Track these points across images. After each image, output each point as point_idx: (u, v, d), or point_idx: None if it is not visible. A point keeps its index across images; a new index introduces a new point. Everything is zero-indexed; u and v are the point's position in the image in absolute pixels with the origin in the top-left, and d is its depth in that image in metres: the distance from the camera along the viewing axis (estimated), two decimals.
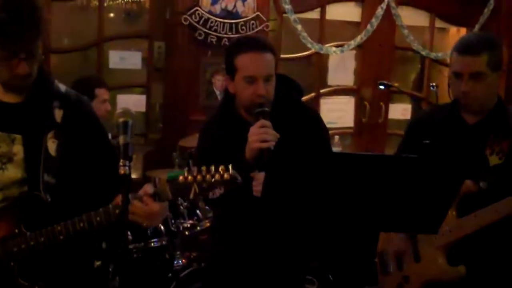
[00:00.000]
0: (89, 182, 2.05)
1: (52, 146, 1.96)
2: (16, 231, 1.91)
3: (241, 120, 2.41)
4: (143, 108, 4.82)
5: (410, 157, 1.87)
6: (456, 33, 5.96)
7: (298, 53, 5.30)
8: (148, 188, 1.86)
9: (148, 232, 3.28)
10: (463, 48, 2.35)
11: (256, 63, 2.31)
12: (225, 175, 1.79)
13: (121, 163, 1.70)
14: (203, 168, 1.80)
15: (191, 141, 3.98)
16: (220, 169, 1.80)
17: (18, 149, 1.94)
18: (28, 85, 1.95)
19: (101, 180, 2.06)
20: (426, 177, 1.82)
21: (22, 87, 1.94)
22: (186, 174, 1.79)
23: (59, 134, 1.98)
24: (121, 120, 1.78)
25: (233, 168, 1.80)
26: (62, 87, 2.06)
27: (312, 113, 2.58)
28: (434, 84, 2.41)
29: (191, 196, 1.81)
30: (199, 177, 1.79)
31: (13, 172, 1.94)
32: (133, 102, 4.73)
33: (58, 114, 1.99)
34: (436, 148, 2.37)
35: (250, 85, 2.29)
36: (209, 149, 2.41)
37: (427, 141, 2.38)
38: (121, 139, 1.75)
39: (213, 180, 1.79)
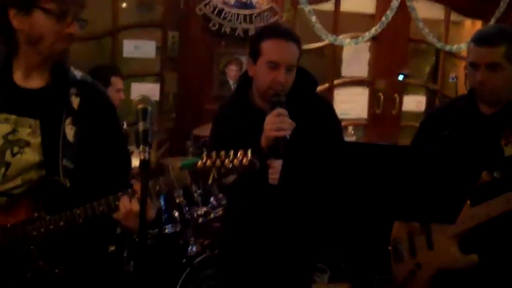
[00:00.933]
0: (105, 167, 2.06)
1: (70, 132, 1.97)
2: (36, 215, 1.93)
3: (255, 108, 2.41)
4: (156, 97, 4.84)
5: (428, 147, 1.87)
6: (471, 26, 5.92)
7: (312, 44, 5.30)
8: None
9: (163, 218, 3.30)
10: (480, 39, 2.36)
11: (281, 50, 2.32)
12: (244, 160, 1.78)
13: (141, 149, 1.70)
14: (222, 153, 1.80)
15: (205, 130, 3.99)
16: (238, 154, 1.79)
17: (36, 134, 1.96)
18: (49, 63, 1.96)
19: (113, 166, 2.08)
20: (445, 167, 1.82)
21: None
22: (204, 159, 1.79)
23: (77, 121, 1.99)
24: (140, 106, 1.78)
25: (252, 152, 1.80)
26: (78, 74, 2.08)
27: (326, 104, 2.59)
28: (454, 75, 2.39)
29: (210, 181, 1.81)
30: (217, 162, 1.79)
31: (31, 155, 1.95)
32: (146, 91, 4.74)
33: (75, 101, 2.01)
34: (454, 139, 2.38)
35: (272, 71, 2.31)
36: (223, 136, 2.42)
37: (446, 132, 2.39)
38: (140, 126, 1.75)
39: (231, 165, 1.79)
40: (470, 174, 1.86)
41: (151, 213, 1.87)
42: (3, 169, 1.94)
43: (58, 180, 1.94)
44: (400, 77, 4.26)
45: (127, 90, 4.73)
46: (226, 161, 1.79)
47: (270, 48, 2.32)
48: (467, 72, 2.43)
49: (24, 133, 1.95)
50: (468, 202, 2.33)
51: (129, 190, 1.88)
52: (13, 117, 1.95)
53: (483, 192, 2.29)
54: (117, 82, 3.85)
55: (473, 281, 2.42)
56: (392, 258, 2.67)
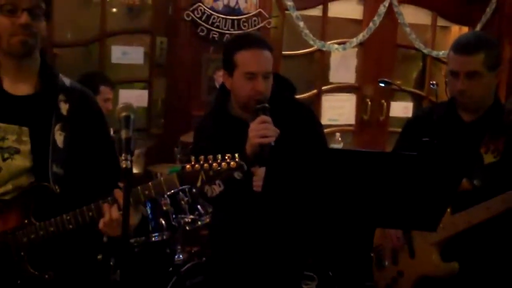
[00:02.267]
0: (94, 173, 2.07)
1: (59, 138, 1.98)
2: (26, 221, 1.94)
3: (235, 118, 2.42)
4: (145, 103, 4.84)
5: (409, 154, 1.87)
6: (458, 32, 5.97)
7: (300, 50, 5.31)
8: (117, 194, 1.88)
9: (150, 226, 3.29)
10: (459, 47, 2.36)
11: (256, 60, 2.32)
12: (232, 163, 1.80)
13: (122, 157, 1.71)
14: (210, 156, 1.81)
15: (193, 136, 3.99)
16: (226, 157, 1.81)
17: (25, 141, 1.96)
18: (28, 43, 1.93)
19: (104, 171, 2.09)
20: (426, 174, 1.83)
21: (24, 46, 1.92)
22: (193, 163, 1.80)
23: (66, 127, 2.00)
24: (123, 114, 1.78)
25: (239, 156, 1.81)
26: (67, 81, 2.09)
27: (305, 108, 2.58)
28: (434, 82, 2.43)
29: (198, 183, 1.81)
30: (206, 165, 1.80)
31: (21, 161, 1.95)
32: (135, 97, 4.75)
33: (64, 107, 2.01)
34: (435, 146, 2.39)
35: (250, 82, 2.30)
36: (204, 148, 2.40)
37: (427, 139, 2.40)
38: (123, 134, 1.74)
39: (219, 168, 1.80)
40: (451, 182, 1.87)
41: (133, 220, 1.86)
42: None
43: (48, 186, 1.94)
44: (381, 84, 4.30)
45: (115, 96, 4.72)
46: (214, 164, 1.80)
47: (245, 59, 2.31)
48: (447, 80, 2.44)
49: (12, 140, 1.95)
50: (449, 210, 2.35)
51: (109, 199, 1.89)
52: (3, 125, 1.95)
53: (463, 200, 2.30)
54: (106, 91, 3.83)
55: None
56: (374, 265, 2.70)
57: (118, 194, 1.87)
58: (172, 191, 3.23)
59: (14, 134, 1.95)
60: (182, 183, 1.83)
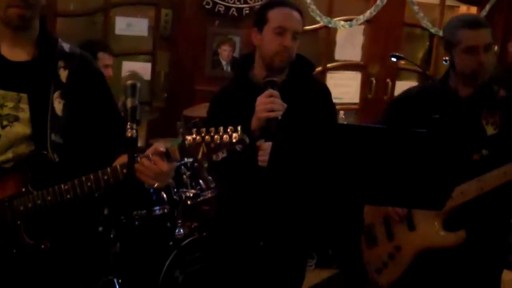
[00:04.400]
0: (96, 141, 2.04)
1: (58, 106, 1.95)
2: (23, 190, 1.92)
3: (257, 86, 2.40)
4: (148, 76, 4.79)
5: (422, 131, 1.85)
6: (466, 11, 5.90)
7: (306, 26, 5.24)
8: (159, 146, 1.83)
9: (153, 198, 3.28)
10: (473, 23, 2.43)
11: (288, 17, 2.38)
12: (234, 136, 1.77)
13: (128, 126, 1.69)
14: (211, 129, 1.79)
15: (196, 110, 3.96)
16: (228, 130, 1.78)
17: (24, 108, 1.93)
18: (26, 16, 1.90)
19: (107, 139, 2.06)
20: (437, 152, 1.81)
21: (20, 18, 1.89)
22: (194, 135, 1.78)
23: (65, 94, 1.97)
24: (129, 82, 1.76)
25: (241, 129, 1.78)
26: (66, 46, 2.04)
27: (323, 87, 2.60)
28: (447, 58, 2.46)
29: (199, 156, 1.78)
30: (207, 137, 1.77)
31: (21, 128, 1.93)
32: (138, 69, 4.70)
33: (63, 74, 1.98)
34: (445, 123, 2.38)
35: (278, 37, 2.35)
36: (219, 112, 2.42)
37: (437, 116, 2.39)
38: (128, 102, 1.73)
39: (221, 140, 1.77)
40: (461, 158, 1.85)
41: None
42: None
43: (46, 155, 1.92)
44: (393, 59, 4.26)
45: (118, 68, 4.68)
46: (216, 136, 1.77)
47: (277, 15, 2.38)
48: (460, 59, 2.44)
49: (10, 107, 1.92)
50: None
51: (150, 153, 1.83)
52: (1, 91, 1.92)
53: (472, 170, 2.30)
54: (104, 58, 3.77)
55: (457, 257, 2.44)
56: (364, 244, 2.68)
57: (159, 145, 1.81)
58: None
59: (12, 101, 1.93)
60: (183, 155, 1.80)
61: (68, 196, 1.88)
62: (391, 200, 2.08)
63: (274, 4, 2.43)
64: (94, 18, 4.75)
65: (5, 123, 1.92)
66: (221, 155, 2.28)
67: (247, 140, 1.81)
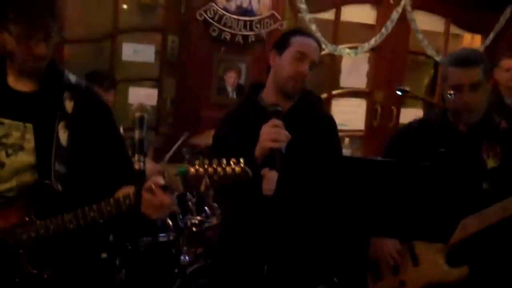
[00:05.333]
0: (100, 172, 2.06)
1: (63, 136, 1.98)
2: (27, 219, 1.93)
3: (265, 111, 2.42)
4: (154, 102, 4.82)
5: (426, 164, 1.86)
6: (470, 40, 5.94)
7: None
8: (159, 179, 1.85)
9: (158, 225, 3.28)
10: (461, 61, 2.42)
11: (310, 45, 2.45)
12: (237, 168, 1.79)
13: (136, 158, 1.70)
14: (214, 160, 1.80)
15: (202, 138, 3.97)
16: (231, 162, 1.80)
17: (29, 138, 1.96)
18: (41, 69, 1.97)
19: (111, 170, 2.08)
20: (442, 185, 1.81)
21: (35, 71, 1.96)
22: (197, 167, 1.79)
23: (70, 125, 1.99)
24: (137, 115, 1.77)
25: (244, 162, 1.80)
26: (73, 78, 2.07)
27: (329, 120, 2.62)
28: (451, 92, 2.45)
29: (202, 188, 1.80)
30: (210, 169, 1.79)
31: (25, 157, 1.95)
32: (144, 95, 4.74)
33: (69, 105, 2.01)
34: (450, 156, 2.39)
35: (297, 62, 2.39)
36: (226, 135, 2.44)
37: (443, 150, 2.40)
38: (136, 134, 1.74)
39: (224, 172, 1.78)
40: (465, 192, 1.86)
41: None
42: None
43: (49, 184, 1.93)
44: (399, 92, 4.28)
45: (125, 94, 4.72)
46: (219, 169, 1.79)
47: (299, 41, 2.44)
48: (446, 97, 2.47)
49: (16, 137, 1.95)
50: None
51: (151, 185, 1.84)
52: (7, 121, 1.95)
53: (470, 205, 2.29)
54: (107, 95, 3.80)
55: None
56: (369, 278, 2.65)
57: (158, 178, 1.84)
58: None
59: (18, 131, 1.95)
60: (186, 188, 1.82)
61: (71, 225, 1.90)
62: (397, 232, 2.08)
63: (298, 32, 2.51)
64: (101, 45, 4.79)
65: (10, 151, 1.94)
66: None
67: (250, 173, 1.82)
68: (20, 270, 1.92)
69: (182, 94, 4.85)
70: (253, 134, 2.28)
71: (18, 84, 1.98)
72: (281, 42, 2.48)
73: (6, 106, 1.96)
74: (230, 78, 4.82)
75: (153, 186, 1.83)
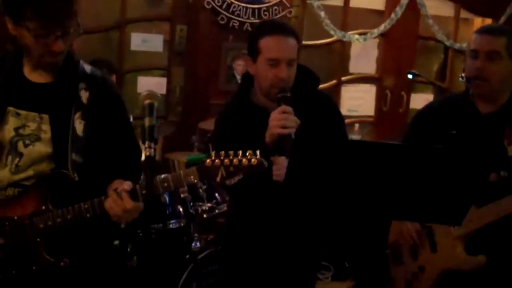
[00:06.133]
0: (115, 160, 2.07)
1: (79, 126, 1.99)
2: (43, 207, 1.94)
3: (258, 108, 2.39)
4: (163, 91, 4.83)
5: (439, 147, 1.84)
6: (480, 24, 5.88)
7: (320, 40, 5.27)
8: (126, 185, 1.88)
9: (169, 211, 3.29)
10: (483, 29, 2.41)
11: (280, 46, 2.29)
12: (253, 160, 1.80)
13: (146, 145, 1.70)
14: (230, 152, 1.81)
15: (211, 124, 3.96)
16: (247, 154, 1.81)
17: (46, 129, 1.97)
18: (59, 63, 1.98)
19: (124, 157, 2.10)
20: (454, 168, 1.80)
21: (52, 65, 1.97)
22: (213, 158, 1.80)
23: (86, 115, 2.00)
24: (147, 102, 1.78)
25: (260, 153, 1.81)
26: (88, 68, 2.08)
27: (328, 100, 2.56)
28: (463, 75, 2.39)
29: (218, 179, 1.82)
30: (226, 161, 1.80)
31: (43, 147, 1.97)
32: (153, 84, 4.75)
33: (84, 95, 2.02)
34: (463, 138, 2.36)
35: (272, 68, 2.27)
36: (226, 136, 2.40)
37: (454, 132, 2.37)
38: (146, 121, 1.74)
39: (239, 164, 1.79)
40: (479, 175, 1.84)
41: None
42: (16, 159, 1.96)
43: (66, 174, 1.95)
44: (410, 76, 4.24)
45: (134, 83, 4.73)
46: (235, 160, 1.80)
47: (268, 45, 2.28)
48: (465, 64, 2.42)
49: (33, 127, 1.97)
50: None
51: (115, 190, 1.89)
52: (23, 112, 1.97)
53: (489, 192, 2.26)
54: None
55: (479, 281, 2.41)
56: (390, 261, 2.65)
57: (126, 185, 1.88)
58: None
59: (34, 122, 1.97)
60: (202, 178, 1.84)
61: (88, 215, 1.92)
62: (410, 215, 2.07)
63: (264, 31, 2.32)
64: (110, 35, 4.80)
65: (27, 142, 1.96)
66: (237, 177, 2.31)
67: (266, 165, 1.84)
68: (37, 258, 1.94)
69: (191, 83, 4.86)
70: (249, 133, 2.25)
71: (34, 75, 1.99)
72: (251, 48, 2.32)
73: (22, 97, 1.98)
74: (239, 66, 4.81)
75: (120, 191, 1.86)
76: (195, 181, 1.86)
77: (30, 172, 1.97)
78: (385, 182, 1.82)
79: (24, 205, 1.95)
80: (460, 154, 1.81)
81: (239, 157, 1.80)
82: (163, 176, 1.88)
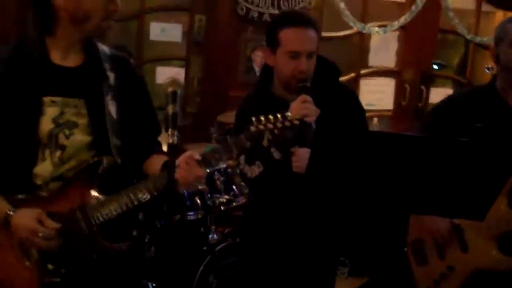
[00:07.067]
0: (142, 141, 2.06)
1: (112, 109, 1.95)
2: (93, 195, 1.90)
3: (277, 99, 2.38)
4: (181, 82, 4.82)
5: (463, 140, 1.81)
6: (503, 17, 5.79)
7: (340, 32, 5.23)
8: (194, 153, 1.85)
9: (187, 203, 3.29)
10: None
11: (300, 39, 2.28)
12: (294, 120, 1.81)
13: (169, 133, 1.69)
14: (270, 116, 1.81)
15: (229, 117, 3.96)
16: (286, 114, 1.82)
17: (83, 114, 1.92)
18: (85, 39, 1.93)
19: (149, 136, 2.10)
20: (478, 161, 1.78)
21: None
22: (255, 124, 1.81)
23: (116, 97, 1.97)
24: (170, 89, 1.76)
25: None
26: (106, 48, 2.03)
27: (350, 93, 2.56)
28: (489, 66, 2.35)
29: (265, 143, 1.81)
30: (269, 125, 1.80)
31: (82, 136, 1.92)
32: (172, 74, 4.73)
33: (111, 76, 1.98)
34: (488, 132, 2.31)
35: (293, 60, 2.27)
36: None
37: (479, 125, 2.32)
38: (170, 109, 1.73)
39: (283, 126, 1.80)
40: (504, 169, 1.81)
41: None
42: (58, 152, 1.90)
43: (111, 158, 1.92)
44: (435, 67, 4.18)
45: (152, 73, 4.72)
46: (278, 123, 1.81)
47: (289, 37, 2.27)
48: (504, 53, 2.37)
49: (70, 114, 1.91)
50: (506, 202, 2.27)
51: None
52: (59, 99, 1.90)
53: None
54: None
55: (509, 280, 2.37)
56: (412, 261, 2.60)
57: (193, 153, 1.85)
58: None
59: (72, 108, 1.91)
60: (251, 142, 1.82)
61: (143, 196, 1.87)
62: (432, 209, 2.04)
63: (284, 22, 2.31)
64: (129, 24, 4.80)
65: (67, 132, 1.90)
66: (257, 169, 2.30)
67: (309, 121, 1.91)
68: (97, 246, 1.89)
69: (209, 74, 4.85)
70: None
71: (62, 59, 1.92)
72: (271, 39, 2.32)
73: (55, 84, 1.91)
74: (258, 58, 4.79)
75: (187, 160, 1.83)
76: (247, 146, 1.83)
77: (72, 163, 1.92)
78: (407, 174, 1.81)
79: (72, 197, 1.89)
80: (487, 147, 1.78)
81: (280, 119, 1.81)
82: (213, 147, 1.87)
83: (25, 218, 1.85)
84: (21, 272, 1.89)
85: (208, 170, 1.91)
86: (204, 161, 1.85)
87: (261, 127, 1.81)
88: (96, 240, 1.89)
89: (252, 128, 1.81)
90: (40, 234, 1.83)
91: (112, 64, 1.99)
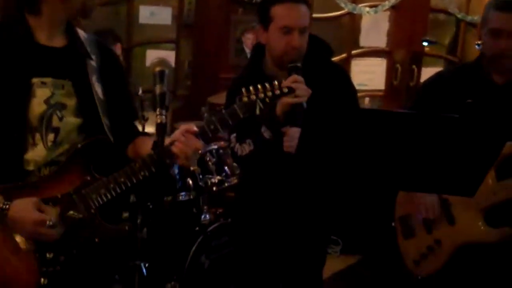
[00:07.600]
0: (124, 122, 2.04)
1: (98, 89, 1.92)
2: (89, 178, 1.84)
3: (270, 78, 2.37)
4: (172, 64, 4.80)
5: (454, 116, 1.81)
6: None
7: (330, 13, 5.21)
8: (192, 126, 1.82)
9: (177, 186, 3.29)
10: (504, 5, 2.28)
11: (293, 14, 2.28)
12: (283, 87, 1.83)
13: (157, 112, 1.69)
14: (259, 86, 1.82)
15: (220, 98, 3.95)
16: (274, 84, 1.83)
17: (71, 95, 1.88)
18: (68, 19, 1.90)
19: (128, 116, 2.08)
20: (469, 137, 1.78)
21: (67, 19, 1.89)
22: (246, 95, 1.81)
23: (99, 78, 1.94)
24: (157, 69, 1.75)
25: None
26: (82, 32, 1.99)
27: (341, 71, 2.55)
28: (479, 42, 2.34)
29: (257, 112, 1.81)
30: (260, 94, 1.81)
31: (72, 119, 1.88)
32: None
33: (94, 58, 1.95)
34: (479, 108, 2.32)
35: (285, 36, 2.27)
36: None
37: (470, 101, 2.32)
38: (157, 88, 1.72)
39: (271, 94, 1.82)
40: (494, 145, 1.81)
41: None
42: (51, 135, 1.84)
43: (106, 139, 1.88)
44: (425, 43, 4.17)
45: (142, 56, 4.71)
46: (268, 92, 1.82)
47: (281, 13, 2.27)
48: (483, 41, 2.36)
49: (59, 95, 1.86)
50: (494, 175, 2.28)
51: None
52: (49, 79, 1.84)
53: (509, 165, 2.23)
54: (116, 47, 3.86)
55: (498, 253, 2.38)
56: (399, 235, 2.61)
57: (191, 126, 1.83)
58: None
59: (60, 89, 1.86)
60: (245, 113, 1.82)
61: (142, 173, 1.81)
62: (422, 186, 2.05)
63: None
64: (118, 7, 4.78)
65: (59, 114, 1.85)
66: (248, 148, 2.30)
67: (294, 86, 1.91)
68: (98, 229, 1.83)
69: (200, 57, 4.84)
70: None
71: (48, 40, 1.86)
72: (263, 16, 2.32)
73: (42, 64, 1.84)
74: (248, 40, 4.77)
75: (185, 132, 1.80)
76: (241, 116, 1.83)
77: (65, 146, 1.86)
78: (397, 151, 1.80)
79: (66, 181, 1.83)
80: (476, 123, 1.78)
81: (268, 88, 1.82)
82: (209, 119, 1.84)
83: (24, 210, 1.75)
84: (19, 265, 1.80)
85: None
86: (201, 133, 1.82)
87: (253, 96, 1.81)
88: (97, 223, 1.83)
89: (244, 98, 1.81)
90: (47, 223, 1.74)
91: (92, 47, 1.96)
